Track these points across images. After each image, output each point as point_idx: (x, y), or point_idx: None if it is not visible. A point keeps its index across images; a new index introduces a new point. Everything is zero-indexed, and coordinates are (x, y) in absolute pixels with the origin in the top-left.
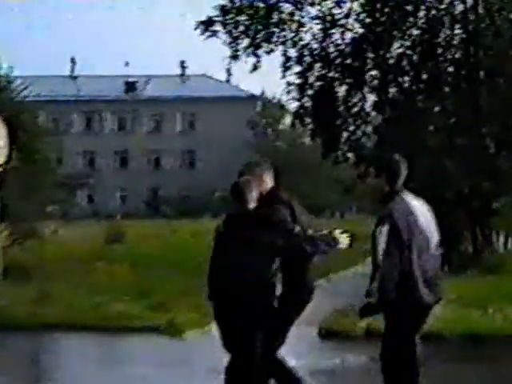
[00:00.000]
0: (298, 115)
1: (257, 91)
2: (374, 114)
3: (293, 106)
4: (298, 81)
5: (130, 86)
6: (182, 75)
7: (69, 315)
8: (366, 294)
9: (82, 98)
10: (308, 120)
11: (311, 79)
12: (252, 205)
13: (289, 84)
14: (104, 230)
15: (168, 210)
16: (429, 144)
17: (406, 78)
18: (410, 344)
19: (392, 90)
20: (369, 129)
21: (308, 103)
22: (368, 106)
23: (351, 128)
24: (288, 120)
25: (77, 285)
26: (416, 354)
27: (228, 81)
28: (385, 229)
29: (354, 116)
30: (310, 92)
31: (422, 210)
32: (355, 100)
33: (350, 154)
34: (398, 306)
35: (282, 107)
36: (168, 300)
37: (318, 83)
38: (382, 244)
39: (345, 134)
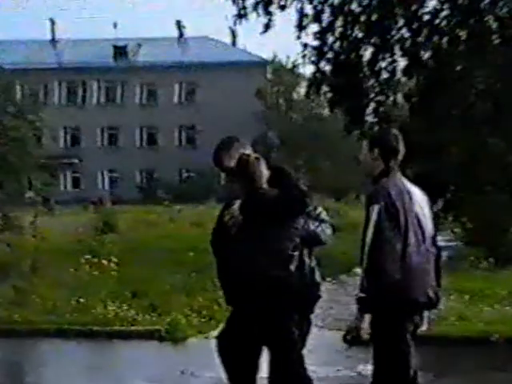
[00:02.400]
0: (314, 82)
1: (267, 55)
2: (404, 79)
3: (309, 71)
4: (315, 42)
5: (120, 52)
6: (180, 38)
7: (52, 319)
8: (361, 288)
9: (63, 65)
10: (327, 88)
11: (331, 40)
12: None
13: (305, 46)
14: (92, 219)
15: (165, 194)
16: (471, 112)
17: (443, 40)
18: (397, 347)
19: (425, 53)
20: (400, 99)
21: (327, 68)
22: (398, 71)
23: (379, 97)
24: (303, 88)
25: (61, 283)
26: (408, 363)
27: (234, 43)
28: (376, 207)
29: (382, 83)
30: (329, 55)
31: (418, 198)
32: (383, 64)
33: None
34: (383, 304)
35: (296, 73)
36: (166, 300)
37: (339, 44)
38: (371, 228)
39: (371, 105)
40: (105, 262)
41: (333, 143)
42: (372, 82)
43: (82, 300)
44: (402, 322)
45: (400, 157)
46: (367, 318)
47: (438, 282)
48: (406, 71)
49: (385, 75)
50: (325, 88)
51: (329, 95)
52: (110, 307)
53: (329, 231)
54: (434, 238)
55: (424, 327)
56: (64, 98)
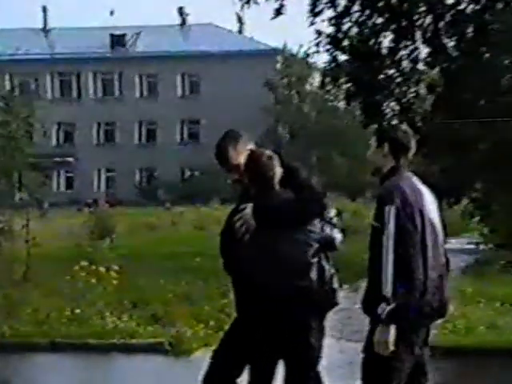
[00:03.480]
0: (330, 73)
1: (276, 44)
2: (425, 69)
3: (323, 61)
4: (330, 29)
5: (117, 41)
6: (182, 25)
7: (45, 331)
8: (384, 299)
9: (56, 56)
10: (343, 79)
11: (347, 26)
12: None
13: (318, 33)
14: (87, 223)
15: (166, 195)
16: (499, 105)
17: (469, 26)
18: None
19: (449, 41)
20: (422, 90)
21: (343, 57)
22: (421, 61)
23: (400, 89)
24: (317, 79)
25: (55, 292)
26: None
27: (240, 31)
28: (393, 209)
29: (403, 73)
30: (345, 43)
31: (429, 199)
32: (404, 53)
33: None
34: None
35: (308, 64)
36: (170, 310)
37: (356, 31)
38: (391, 229)
39: (391, 97)
40: (103, 269)
41: (348, 138)
42: (392, 71)
43: (77, 311)
44: (411, 332)
45: (411, 154)
46: (393, 329)
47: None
48: (429, 60)
49: (406, 64)
50: (341, 79)
51: (345, 87)
52: (108, 318)
53: (339, 236)
54: (444, 241)
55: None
56: (57, 92)
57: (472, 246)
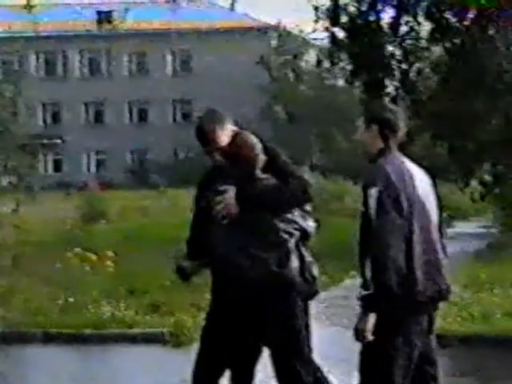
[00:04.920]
0: (328, 50)
1: (271, 20)
2: (428, 45)
3: (320, 38)
4: (327, 4)
5: (104, 17)
6: (172, 1)
7: (37, 321)
8: (363, 285)
9: (41, 33)
10: (341, 56)
11: (345, 1)
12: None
13: (315, 8)
14: (77, 207)
15: (159, 178)
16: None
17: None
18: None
19: (452, 16)
20: (426, 68)
21: (341, 34)
22: (423, 37)
23: (402, 66)
24: (313, 57)
25: (47, 280)
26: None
27: (233, 7)
28: (374, 191)
29: (406, 49)
30: (343, 19)
31: (421, 179)
32: (405, 28)
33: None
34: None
35: (304, 40)
36: (169, 298)
37: (355, 6)
38: (372, 216)
39: (392, 75)
40: (97, 255)
41: (349, 117)
42: (393, 48)
43: (71, 299)
44: (406, 320)
45: (401, 134)
46: (372, 317)
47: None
48: (432, 36)
49: (408, 41)
50: (340, 57)
51: (344, 65)
52: (104, 307)
53: (313, 225)
54: (440, 225)
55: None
56: (42, 71)
57: (483, 230)
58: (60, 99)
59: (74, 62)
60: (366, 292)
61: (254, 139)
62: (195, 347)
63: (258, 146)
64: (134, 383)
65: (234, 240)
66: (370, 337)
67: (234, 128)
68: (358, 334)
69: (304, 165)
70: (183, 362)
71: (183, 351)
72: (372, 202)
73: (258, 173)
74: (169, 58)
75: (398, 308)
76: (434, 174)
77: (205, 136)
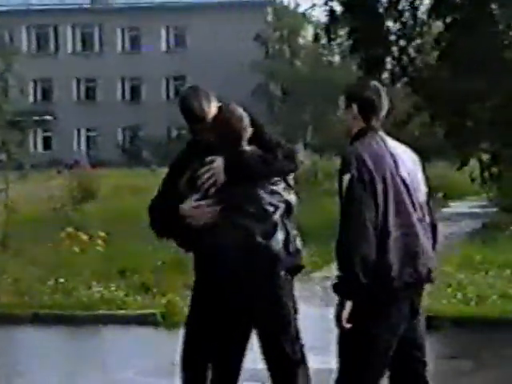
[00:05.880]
0: (325, 26)
1: None
2: (428, 20)
3: (317, 13)
4: None
5: None
6: None
7: (26, 302)
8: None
9: (32, 7)
10: (339, 32)
11: None
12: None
13: None
14: (68, 185)
15: (152, 156)
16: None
17: None
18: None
19: None
20: (426, 44)
21: (339, 8)
22: (422, 12)
23: (401, 42)
24: (310, 32)
25: (36, 260)
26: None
27: None
28: (347, 177)
29: (405, 25)
30: None
31: (404, 159)
32: (405, 3)
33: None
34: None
35: (301, 15)
36: (161, 279)
37: None
38: (342, 200)
39: (392, 51)
40: (89, 235)
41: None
42: (393, 24)
43: (61, 280)
44: (385, 307)
45: (383, 113)
46: (348, 305)
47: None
48: (432, 11)
49: (407, 16)
50: (338, 32)
51: (342, 41)
52: (94, 288)
53: (294, 197)
54: (428, 206)
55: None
56: (33, 46)
57: (478, 210)
58: (51, 75)
59: (65, 38)
60: (336, 280)
61: (241, 111)
62: None
63: (246, 118)
64: (126, 365)
65: (220, 216)
66: (346, 325)
67: (219, 104)
68: (335, 321)
69: (298, 143)
70: (175, 343)
71: (175, 333)
72: (343, 188)
73: (245, 144)
74: (163, 33)
75: (373, 295)
76: (426, 153)
77: (193, 114)
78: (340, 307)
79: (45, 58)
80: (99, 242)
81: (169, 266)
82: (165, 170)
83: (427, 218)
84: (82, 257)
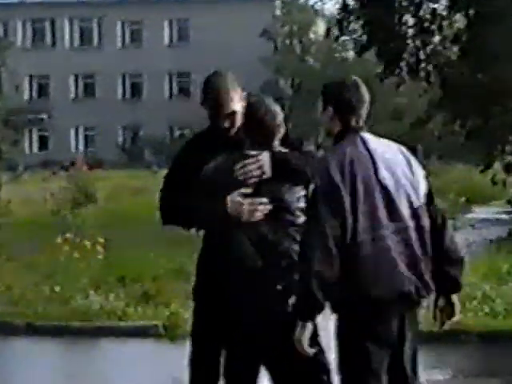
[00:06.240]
0: (339, 20)
1: None
2: (447, 14)
3: (329, 6)
4: None
5: None
6: None
7: (20, 311)
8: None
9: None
10: (352, 26)
11: None
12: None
13: None
14: (65, 187)
15: (153, 156)
16: None
17: None
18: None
19: None
20: (445, 39)
21: (352, 1)
22: (442, 4)
23: (420, 36)
24: (321, 27)
25: (31, 267)
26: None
27: None
28: (312, 187)
29: (424, 18)
30: None
31: (389, 160)
32: None
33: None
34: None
35: (312, 9)
36: (163, 288)
37: None
38: (307, 215)
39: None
40: (85, 241)
41: None
42: (410, 17)
43: (57, 288)
44: (365, 325)
45: (363, 112)
46: (308, 328)
47: (450, 264)
48: (452, 3)
49: (425, 9)
50: (351, 26)
51: (355, 36)
52: (92, 297)
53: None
54: (429, 206)
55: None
56: (29, 40)
57: (505, 216)
58: (47, 71)
59: (63, 31)
60: (295, 301)
61: (276, 106)
62: None
63: (281, 115)
64: (125, 380)
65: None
66: (308, 349)
67: (252, 97)
68: (297, 344)
69: (309, 144)
70: (178, 357)
71: (178, 345)
72: (310, 199)
73: (277, 144)
74: (165, 27)
75: (354, 310)
76: (447, 154)
77: (218, 97)
78: (302, 330)
79: (41, 53)
80: (97, 247)
81: (172, 274)
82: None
83: (424, 222)
84: (79, 263)
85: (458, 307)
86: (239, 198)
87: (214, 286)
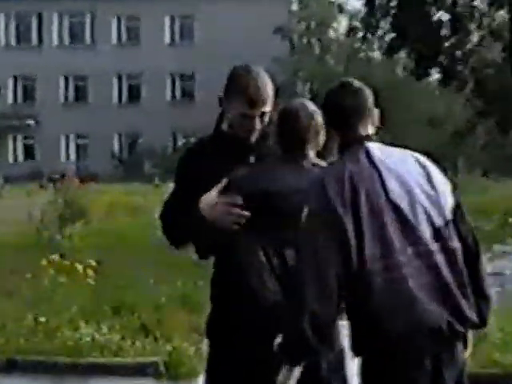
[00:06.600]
0: (360, 15)
1: None
2: (488, 9)
3: (351, 0)
4: None
5: None
6: None
7: (1, 346)
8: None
9: None
10: (383, 24)
11: None
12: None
13: None
14: (53, 203)
15: (154, 168)
16: None
17: None
18: None
19: None
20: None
21: None
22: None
23: (457, 35)
24: (343, 24)
25: (12, 295)
26: None
27: None
28: (305, 212)
29: (461, 14)
30: None
31: (401, 175)
32: None
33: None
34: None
35: (333, 4)
36: (163, 319)
37: None
38: (300, 243)
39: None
40: (76, 264)
41: (386, 98)
42: (443, 13)
43: (42, 319)
44: (407, 366)
45: (365, 119)
46: (296, 372)
47: (479, 292)
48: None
49: (462, 4)
50: (379, 23)
51: (383, 33)
52: (82, 329)
53: None
54: (458, 224)
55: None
56: (13, 37)
57: None
58: (34, 72)
59: (51, 27)
60: (281, 340)
61: (314, 107)
62: (196, 382)
63: (319, 117)
64: None
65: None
66: None
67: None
68: None
69: (331, 154)
70: None
71: None
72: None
73: (312, 153)
74: (166, 23)
75: (374, 349)
76: (492, 167)
77: (259, 92)
78: (288, 373)
79: (26, 52)
80: (89, 272)
81: (174, 303)
82: (170, 185)
83: (452, 242)
84: (67, 290)
85: (470, 343)
86: (214, 195)
87: (229, 323)
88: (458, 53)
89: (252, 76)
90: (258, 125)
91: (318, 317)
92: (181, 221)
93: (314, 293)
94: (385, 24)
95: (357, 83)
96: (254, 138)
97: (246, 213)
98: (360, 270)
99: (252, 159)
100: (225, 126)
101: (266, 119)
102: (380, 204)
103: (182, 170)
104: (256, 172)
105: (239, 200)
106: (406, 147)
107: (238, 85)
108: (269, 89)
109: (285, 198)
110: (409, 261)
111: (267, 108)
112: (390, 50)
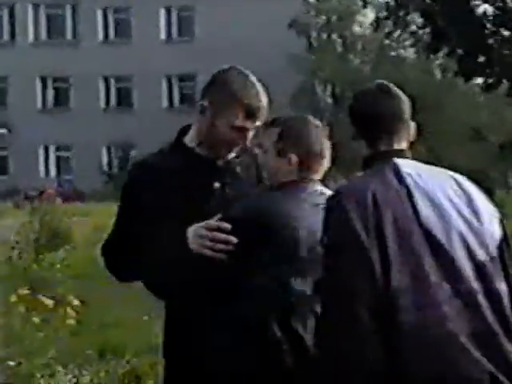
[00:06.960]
0: (389, 8)
1: None
2: None
3: None
4: None
5: None
6: None
7: None
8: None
9: None
10: (412, 17)
11: None
12: None
13: None
14: (29, 225)
15: None
16: None
17: None
18: None
19: None
20: None
21: None
22: None
23: (502, 32)
24: (370, 16)
25: None
26: None
27: None
28: (325, 239)
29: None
30: None
31: (434, 194)
32: None
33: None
34: None
35: None
36: (156, 364)
37: None
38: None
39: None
40: (54, 299)
41: (420, 102)
42: (485, 8)
43: (11, 363)
44: None
45: (399, 129)
46: None
47: None
48: None
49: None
50: (410, 17)
51: (416, 29)
52: (61, 376)
53: None
54: (504, 261)
55: None
56: None
57: None
58: (6, 73)
59: (26, 22)
60: None
61: (317, 122)
62: None
63: (325, 134)
64: None
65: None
66: None
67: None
68: None
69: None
70: None
71: None
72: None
73: (316, 183)
74: (162, 16)
75: None
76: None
77: (257, 102)
78: None
79: (1, 50)
80: (69, 309)
81: None
82: None
83: (498, 282)
84: (43, 331)
85: None
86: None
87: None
88: (506, 53)
89: (250, 81)
90: (249, 141)
91: (377, 367)
92: (144, 256)
93: (362, 341)
94: (417, 17)
95: (395, 88)
96: (224, 160)
97: (233, 238)
98: (388, 306)
99: (216, 185)
100: (190, 140)
101: (250, 136)
102: (410, 230)
103: (130, 193)
104: (254, 208)
105: (227, 226)
106: (444, 165)
107: (232, 91)
108: (266, 99)
109: (293, 228)
110: (446, 299)
111: (261, 122)
112: (429, 49)
